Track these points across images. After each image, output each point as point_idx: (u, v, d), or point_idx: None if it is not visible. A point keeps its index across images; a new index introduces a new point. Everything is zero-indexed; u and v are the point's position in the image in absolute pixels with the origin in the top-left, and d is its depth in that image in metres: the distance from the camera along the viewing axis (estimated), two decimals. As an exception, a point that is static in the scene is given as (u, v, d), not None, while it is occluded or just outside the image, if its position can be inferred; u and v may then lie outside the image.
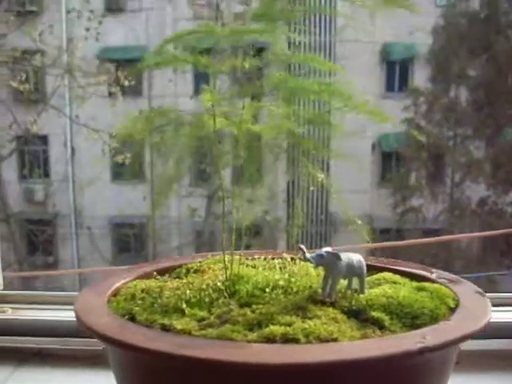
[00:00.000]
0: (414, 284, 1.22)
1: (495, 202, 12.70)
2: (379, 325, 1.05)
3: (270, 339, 0.97)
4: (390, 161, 16.42)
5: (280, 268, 1.29)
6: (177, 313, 1.08)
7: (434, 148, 13.27)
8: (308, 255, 1.15)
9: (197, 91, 17.67)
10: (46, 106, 12.65)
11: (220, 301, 1.12)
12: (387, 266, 1.34)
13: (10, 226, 12.49)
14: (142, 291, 1.18)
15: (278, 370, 0.90)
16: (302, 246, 1.17)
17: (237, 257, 1.20)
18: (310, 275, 1.24)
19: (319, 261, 1.16)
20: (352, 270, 1.20)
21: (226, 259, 1.19)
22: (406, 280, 1.25)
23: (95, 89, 11.75)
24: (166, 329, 1.03)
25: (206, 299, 1.12)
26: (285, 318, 1.03)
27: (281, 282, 1.19)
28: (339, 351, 0.95)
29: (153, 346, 0.95)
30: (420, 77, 14.46)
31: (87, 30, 13.05)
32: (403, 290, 1.17)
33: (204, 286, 1.16)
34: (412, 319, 1.08)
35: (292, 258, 1.33)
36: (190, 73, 15.73)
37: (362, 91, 1.11)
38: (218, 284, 1.17)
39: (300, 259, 1.28)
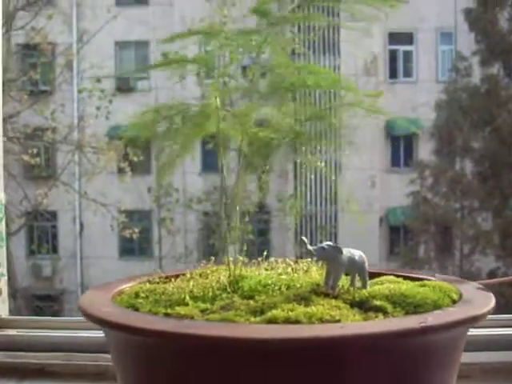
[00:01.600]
0: (417, 283, 1.22)
1: (505, 273, 12.58)
2: (382, 311, 1.05)
3: (272, 321, 0.98)
4: (397, 234, 16.41)
5: (283, 269, 1.30)
6: (180, 305, 1.08)
7: (442, 220, 13.27)
8: (310, 247, 1.15)
9: (205, 168, 18.00)
10: (56, 181, 12.82)
11: (223, 295, 1.13)
12: (388, 272, 1.34)
13: (17, 300, 12.42)
14: (147, 291, 1.19)
15: (280, 344, 0.89)
16: (304, 238, 1.18)
17: (241, 258, 1.23)
18: (313, 276, 1.26)
19: (321, 253, 1.16)
20: (354, 265, 1.20)
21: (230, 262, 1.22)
22: (408, 281, 1.25)
23: (104, 165, 11.93)
24: (169, 316, 1.03)
25: (210, 294, 1.13)
26: (287, 306, 1.03)
27: (283, 277, 1.20)
28: (341, 328, 0.95)
29: (158, 327, 0.95)
30: (425, 151, 14.66)
31: (98, 108, 13.37)
32: (405, 285, 1.18)
33: (208, 284, 1.18)
34: (415, 308, 1.07)
35: (296, 262, 1.35)
36: (197, 149, 15.92)
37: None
38: (222, 280, 1.19)
39: (300, 259, 1.33)
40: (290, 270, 1.29)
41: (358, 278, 1.21)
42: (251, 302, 1.08)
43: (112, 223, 12.47)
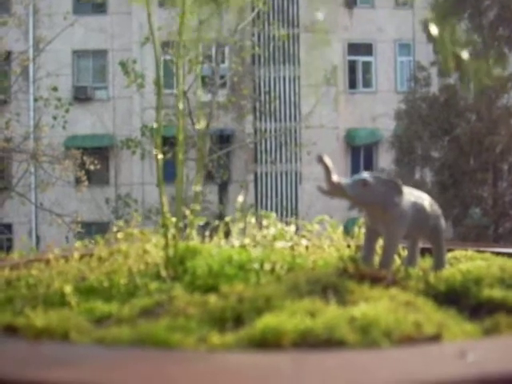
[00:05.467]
0: None
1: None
2: (509, 312, 0.56)
3: (265, 342, 0.47)
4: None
5: (278, 236, 0.84)
6: (54, 305, 0.65)
7: (402, 230, 13.29)
8: (339, 179, 0.68)
9: (166, 178, 17.66)
10: (11, 192, 12.46)
11: (153, 285, 0.68)
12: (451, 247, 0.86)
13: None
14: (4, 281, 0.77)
15: None
16: (326, 159, 0.70)
17: (191, 219, 0.82)
18: (327, 250, 0.78)
19: (360, 193, 0.69)
20: (424, 221, 0.70)
21: (169, 228, 0.76)
22: (502, 257, 0.79)
23: (60, 174, 11.63)
24: (14, 332, 0.57)
25: (123, 283, 0.68)
26: (298, 304, 0.52)
27: (278, 248, 0.71)
28: (462, 360, 0.44)
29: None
30: (385, 160, 14.72)
31: (54, 118, 13.07)
32: None
33: (125, 267, 0.72)
34: None
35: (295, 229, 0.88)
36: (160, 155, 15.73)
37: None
38: (153, 259, 0.72)
39: (322, 189, 0.74)
40: (290, 240, 0.79)
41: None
42: (212, 297, 0.57)
43: (68, 235, 12.16)
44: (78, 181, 12.24)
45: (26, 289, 0.72)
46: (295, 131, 15.98)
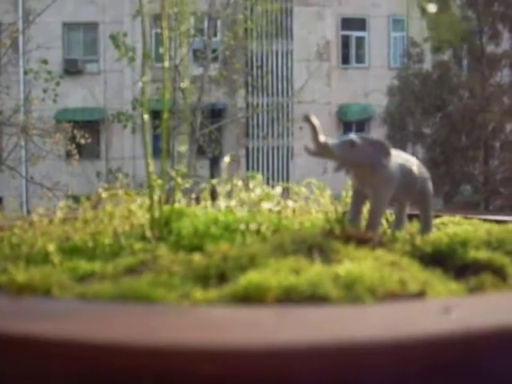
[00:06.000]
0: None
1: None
2: (495, 272, 0.57)
3: (249, 297, 0.48)
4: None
5: (261, 198, 0.84)
6: (38, 264, 0.65)
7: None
8: (326, 139, 0.67)
9: (156, 153, 17.60)
10: (1, 166, 12.39)
11: (137, 246, 0.68)
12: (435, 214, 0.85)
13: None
14: None
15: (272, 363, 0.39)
16: (313, 118, 0.70)
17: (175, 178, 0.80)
18: (312, 212, 0.78)
19: (347, 153, 0.67)
20: (411, 183, 0.69)
21: (154, 190, 0.77)
22: (489, 223, 0.80)
23: (51, 148, 11.58)
24: None
25: (107, 246, 0.68)
26: (282, 263, 0.53)
27: (264, 210, 0.74)
28: (446, 314, 0.44)
29: None
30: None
31: (45, 91, 12.97)
32: (509, 227, 0.70)
33: (110, 227, 0.74)
34: None
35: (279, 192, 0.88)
36: (148, 134, 15.68)
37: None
38: (138, 220, 0.73)
39: (309, 150, 0.73)
40: (276, 202, 0.79)
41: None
42: (196, 256, 0.58)
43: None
44: (68, 154, 12.20)
45: (9, 248, 0.73)
46: (287, 106, 15.93)
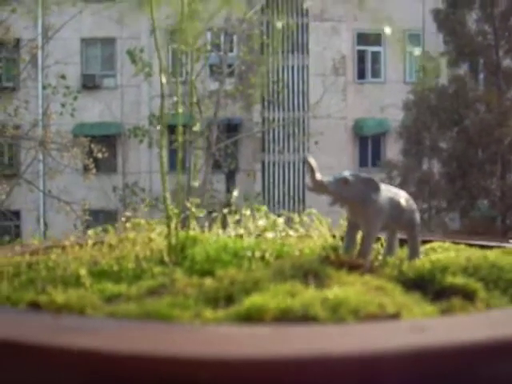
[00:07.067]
0: (496, 250, 0.81)
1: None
2: (467, 296, 0.63)
3: (251, 317, 0.56)
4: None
5: (269, 227, 0.91)
6: (69, 286, 0.72)
7: (409, 221, 13.27)
8: (321, 177, 0.75)
9: (172, 167, 17.69)
10: (19, 179, 12.52)
11: (156, 270, 0.76)
12: (426, 238, 0.92)
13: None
14: (26, 264, 0.84)
15: (282, 376, 0.45)
16: (311, 159, 0.77)
17: (192, 210, 0.89)
18: (317, 240, 0.85)
19: (340, 190, 0.76)
20: (399, 215, 0.77)
21: (172, 219, 0.82)
22: (474, 248, 0.85)
23: (68, 162, 11.69)
24: (36, 307, 0.65)
25: (131, 268, 0.76)
26: (281, 287, 0.61)
27: (269, 238, 0.79)
28: (423, 333, 0.50)
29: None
30: (393, 151, 14.68)
31: (63, 105, 13.11)
32: (487, 253, 0.76)
33: (132, 253, 0.81)
34: None
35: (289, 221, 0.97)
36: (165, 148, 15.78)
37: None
38: (157, 246, 0.80)
39: (308, 186, 0.82)
40: (280, 230, 0.86)
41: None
42: (208, 280, 0.66)
43: (75, 222, 12.22)
44: (85, 168, 12.30)
45: (45, 271, 0.79)
46: (303, 121, 15.96)
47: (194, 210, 0.92)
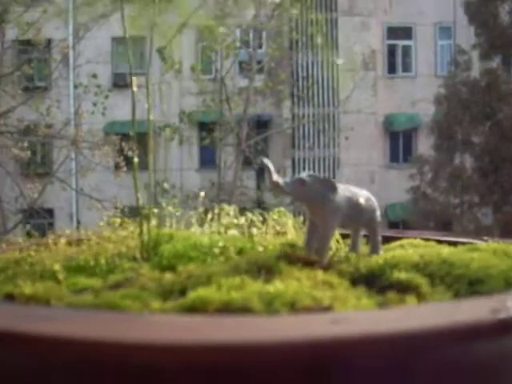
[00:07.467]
0: (462, 247, 0.83)
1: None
2: (412, 291, 0.66)
3: (196, 309, 0.61)
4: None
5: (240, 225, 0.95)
6: (44, 279, 0.78)
7: (441, 216, 13.14)
8: (277, 178, 0.79)
9: (202, 164, 17.83)
10: (52, 178, 12.71)
11: (127, 265, 0.81)
12: (411, 235, 0.96)
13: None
14: (11, 261, 0.90)
15: (204, 359, 0.51)
16: (267, 161, 0.81)
17: (169, 210, 0.95)
18: (279, 236, 0.90)
19: (297, 190, 0.78)
20: (358, 214, 0.81)
21: (147, 218, 0.88)
22: (445, 245, 0.87)
23: (100, 160, 11.84)
24: (11, 299, 0.73)
25: (105, 264, 0.82)
26: (231, 281, 0.65)
27: (233, 235, 0.85)
28: (335, 324, 0.53)
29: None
30: (424, 146, 14.54)
31: (94, 104, 13.26)
32: (447, 249, 0.78)
33: (109, 250, 0.87)
34: (470, 285, 0.67)
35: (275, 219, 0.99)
36: (195, 145, 15.92)
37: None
38: (134, 244, 0.85)
39: (271, 189, 0.85)
40: (254, 228, 0.90)
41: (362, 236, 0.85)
42: (168, 274, 0.72)
43: (108, 219, 12.37)
44: (116, 166, 12.44)
45: (28, 267, 0.87)
46: (333, 116, 15.89)
47: (170, 208, 0.96)
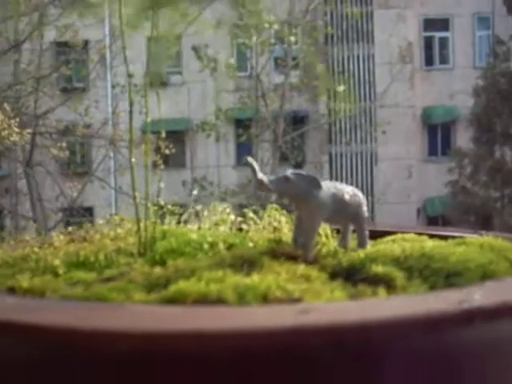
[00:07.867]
0: (451, 241, 0.85)
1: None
2: (385, 284, 0.68)
3: (176, 300, 0.65)
4: (436, 225, 16.08)
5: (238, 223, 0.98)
6: (45, 274, 0.82)
7: (482, 210, 12.94)
8: (261, 176, 0.80)
9: (239, 161, 17.88)
10: (91, 177, 12.91)
11: (123, 261, 0.85)
12: (408, 230, 0.96)
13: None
14: (18, 257, 0.95)
15: (172, 345, 0.56)
16: (251, 160, 0.83)
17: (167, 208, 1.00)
18: (271, 232, 0.92)
19: (282, 187, 0.80)
20: (343, 209, 0.82)
21: (147, 216, 0.92)
22: (436, 239, 0.88)
23: (138, 159, 11.97)
24: (12, 292, 0.78)
25: (104, 259, 0.86)
26: (213, 274, 0.69)
27: (223, 232, 0.88)
28: (301, 313, 0.56)
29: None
30: (463, 139, 14.32)
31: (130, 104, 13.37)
32: (432, 243, 0.80)
33: (109, 247, 0.91)
34: (447, 277, 0.68)
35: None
36: (231, 142, 15.99)
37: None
38: (134, 241, 0.89)
39: (257, 187, 0.87)
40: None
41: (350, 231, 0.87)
42: (158, 269, 0.76)
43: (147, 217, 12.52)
44: (154, 165, 12.51)
45: (33, 263, 0.91)
46: (370, 111, 15.76)
47: (168, 207, 1.00)
